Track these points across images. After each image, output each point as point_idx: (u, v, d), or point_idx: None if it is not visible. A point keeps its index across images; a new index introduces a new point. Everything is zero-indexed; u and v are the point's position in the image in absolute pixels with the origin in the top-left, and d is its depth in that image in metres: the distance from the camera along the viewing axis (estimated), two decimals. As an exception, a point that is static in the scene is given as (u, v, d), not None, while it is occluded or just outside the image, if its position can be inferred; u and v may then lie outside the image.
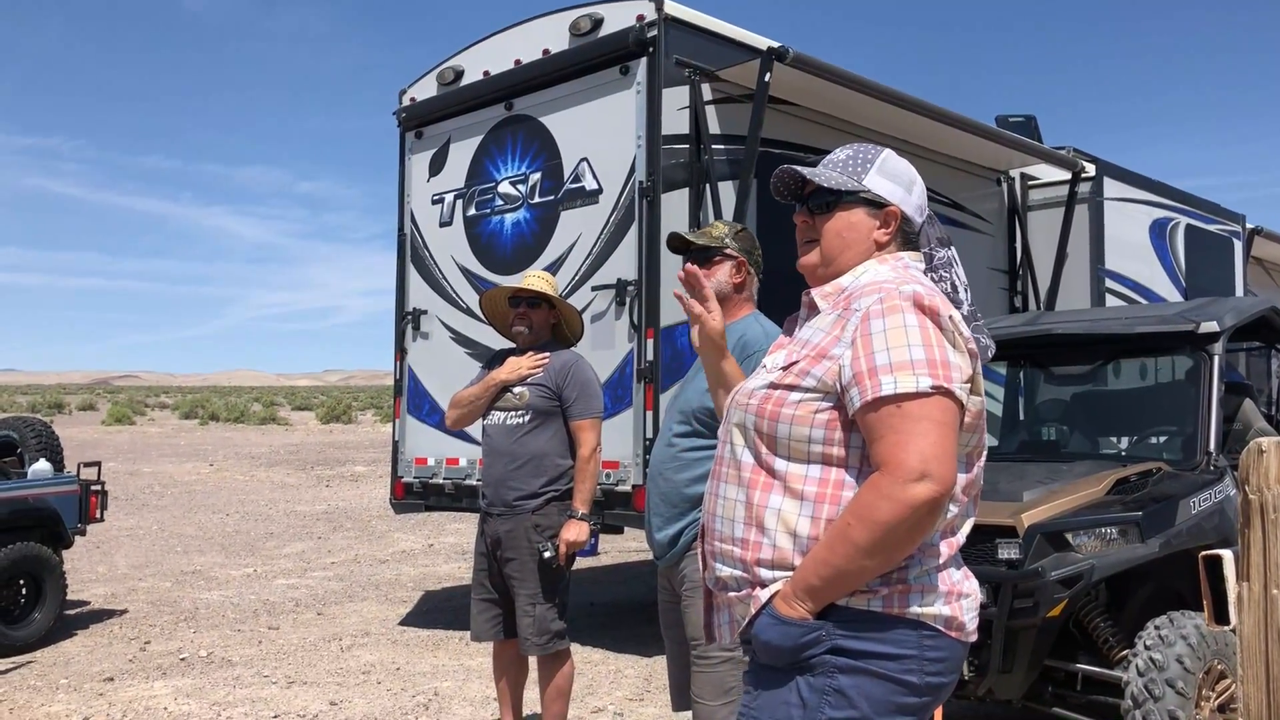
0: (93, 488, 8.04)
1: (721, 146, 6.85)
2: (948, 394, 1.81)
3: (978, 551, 4.17)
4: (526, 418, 4.47)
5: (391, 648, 7.13)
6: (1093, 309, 7.98)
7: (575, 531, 4.37)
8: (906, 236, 2.09)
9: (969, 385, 1.87)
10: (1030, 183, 9.51)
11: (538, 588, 4.39)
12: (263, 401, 62.30)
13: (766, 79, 6.45)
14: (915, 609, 1.84)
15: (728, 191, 6.74)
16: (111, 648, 7.21)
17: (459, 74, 7.86)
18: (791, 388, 1.93)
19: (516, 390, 4.50)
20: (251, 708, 5.70)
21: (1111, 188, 9.30)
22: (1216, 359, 4.72)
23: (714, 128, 6.81)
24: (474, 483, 7.43)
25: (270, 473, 21.43)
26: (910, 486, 1.75)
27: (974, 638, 1.93)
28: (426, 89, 8.12)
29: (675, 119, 6.66)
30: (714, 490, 2.04)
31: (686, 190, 6.69)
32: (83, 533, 8.02)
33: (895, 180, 2.09)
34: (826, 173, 2.11)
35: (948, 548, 1.90)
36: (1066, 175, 9.08)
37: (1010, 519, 4.14)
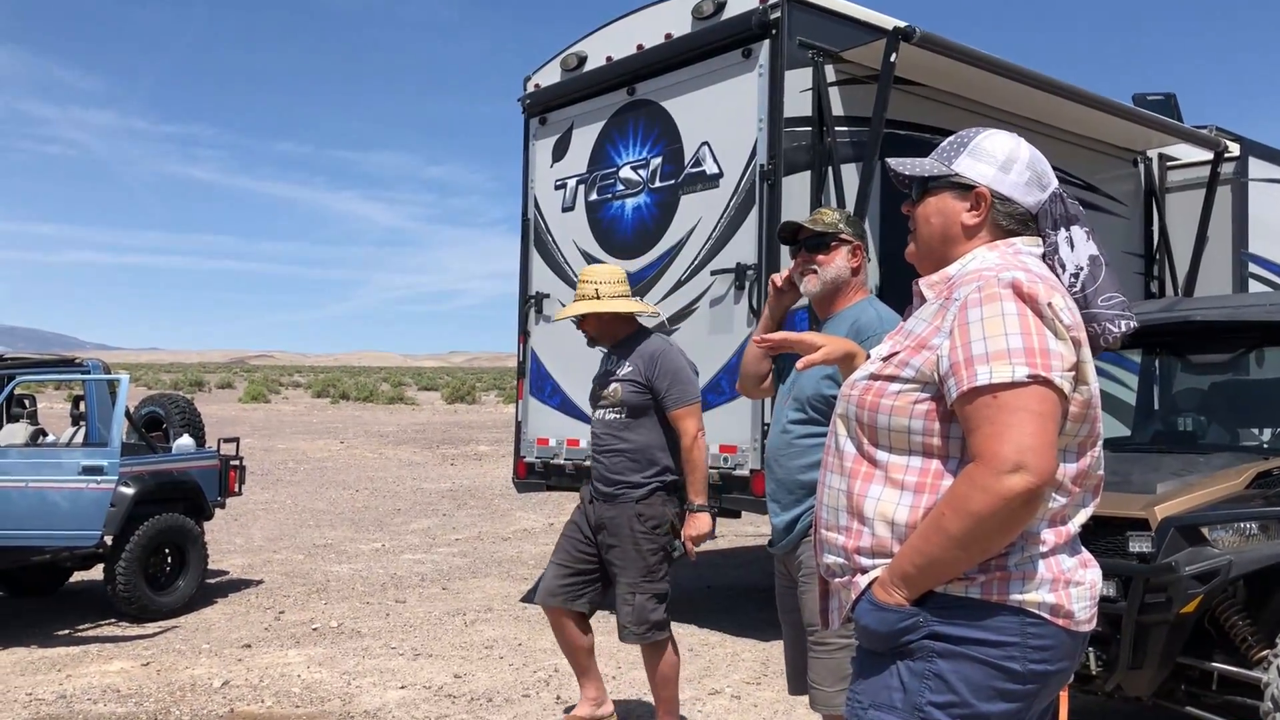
0: (232, 463, 8.42)
1: (845, 128, 6.76)
2: (1046, 383, 1.78)
3: (1108, 544, 4.05)
4: (623, 414, 4.47)
5: (514, 624, 7.28)
6: (1235, 294, 7.64)
7: (696, 526, 4.36)
8: (1018, 217, 2.04)
9: (1072, 374, 1.83)
10: (1169, 163, 9.13)
11: (638, 577, 4.39)
12: (391, 381, 64.05)
13: (892, 59, 6.33)
14: (1016, 596, 1.83)
15: (850, 174, 6.66)
16: (249, 616, 7.55)
17: (582, 60, 7.93)
18: (891, 378, 1.93)
19: (612, 387, 4.51)
20: (379, 678, 5.90)
21: (1257, 168, 8.87)
22: (1370, 348, 4.48)
23: (837, 109, 6.73)
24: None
25: (398, 451, 22.05)
26: (1005, 478, 1.73)
27: (1087, 627, 1.90)
28: (550, 75, 8.22)
29: (798, 101, 6.61)
30: (822, 479, 2.06)
31: (808, 173, 6.63)
32: (222, 505, 8.41)
33: (987, 160, 2.04)
34: (919, 161, 2.11)
35: (1055, 535, 1.87)
36: (1208, 155, 8.68)
37: (1143, 511, 4.01)
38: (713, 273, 6.86)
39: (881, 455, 1.93)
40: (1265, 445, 4.90)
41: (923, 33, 6.38)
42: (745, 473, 6.56)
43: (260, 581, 8.84)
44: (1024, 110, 7.71)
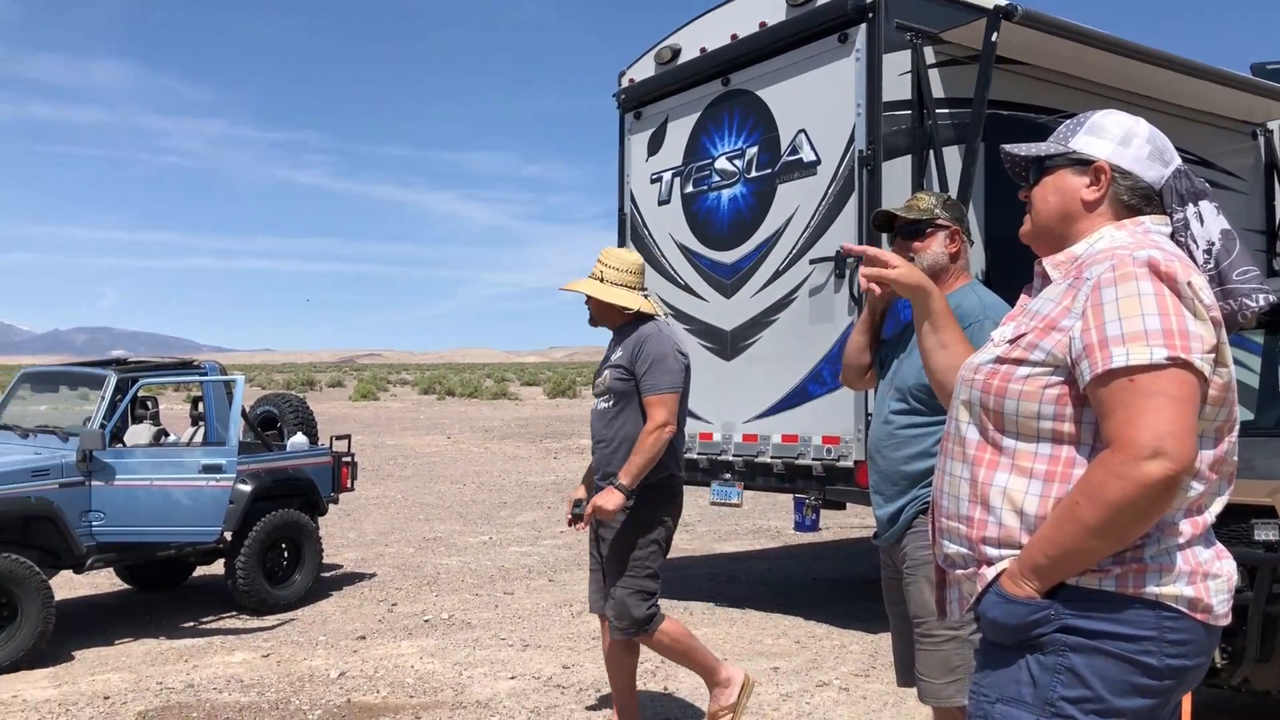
0: (344, 459, 8.65)
1: (946, 110, 6.63)
2: (1186, 366, 1.71)
3: (1231, 532, 3.90)
4: (611, 402, 4.34)
5: (618, 616, 7.33)
6: None
7: (606, 498, 4.14)
8: (1141, 194, 1.98)
9: (1212, 356, 1.76)
10: (1291, 134, 8.74)
11: (617, 570, 4.28)
12: (494, 377, 64.99)
13: (993, 39, 6.19)
14: (1152, 589, 1.76)
15: (953, 157, 6.53)
16: (363, 609, 7.74)
17: (676, 52, 7.92)
18: (1019, 361, 1.87)
19: (604, 375, 4.41)
20: (490, 669, 6.00)
21: (1386, 137, 8.44)
22: None
23: (938, 91, 6.60)
24: (695, 456, 7.52)
25: (502, 445, 22.38)
26: (1142, 465, 1.67)
27: (1224, 621, 1.82)
28: (645, 69, 8.23)
29: (896, 85, 6.50)
30: (942, 466, 2.01)
31: (909, 157, 6.52)
32: (335, 501, 8.65)
33: (1105, 136, 1.99)
34: (1035, 144, 2.07)
35: (1191, 526, 1.80)
36: (1332, 124, 8.30)
37: (1269, 498, 3.86)
38: (811, 261, 6.80)
39: (1008, 442, 1.87)
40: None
41: (1025, 10, 6.22)
42: (849, 464, 6.49)
43: (373, 575, 9.06)
44: (1134, 86, 7.46)
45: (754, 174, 7.28)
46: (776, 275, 7.09)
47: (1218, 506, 1.86)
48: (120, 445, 7.20)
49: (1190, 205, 1.95)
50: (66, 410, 7.70)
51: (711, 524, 11.90)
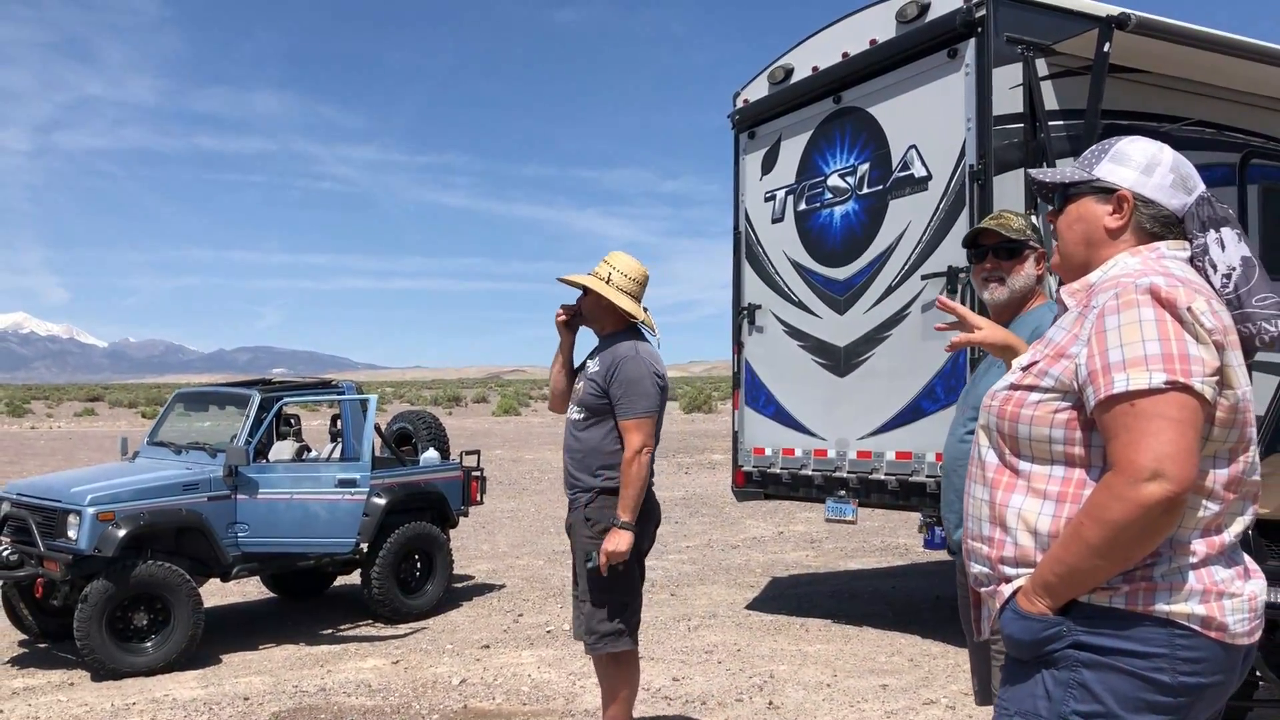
0: (473, 474, 8.98)
1: (1060, 122, 6.53)
2: (1186, 389, 1.75)
3: (1269, 549, 3.78)
4: (582, 414, 4.31)
5: (735, 630, 7.42)
6: None
7: (615, 541, 4.08)
8: (1163, 221, 2.01)
9: (1216, 378, 1.79)
10: None
11: (588, 584, 4.21)
12: (632, 392, 65.53)
13: (1106, 49, 6.08)
14: (1162, 607, 1.80)
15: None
16: (490, 619, 8.03)
17: (789, 72, 8.01)
18: (1031, 388, 1.93)
19: (578, 385, 4.35)
20: (603, 679, 6.17)
21: None
22: None
23: (1051, 103, 6.51)
24: (810, 472, 7.58)
25: (636, 460, 22.62)
26: (1142, 486, 1.72)
27: (1246, 640, 1.84)
28: (758, 89, 8.33)
29: (1007, 98, 6.44)
30: (968, 490, 2.08)
31: (1021, 171, 6.45)
32: (465, 514, 8.98)
33: (1129, 164, 2.03)
34: (1059, 170, 2.12)
35: (1207, 546, 1.83)
36: None
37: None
38: (923, 277, 6.78)
39: (1024, 465, 1.94)
40: None
41: (1139, 18, 6.09)
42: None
43: (502, 586, 9.36)
44: (1263, 89, 7.21)
45: (866, 190, 7.31)
46: (889, 291, 7.09)
47: (1239, 526, 1.88)
48: (264, 461, 7.66)
49: (1211, 231, 1.98)
50: (215, 428, 8.24)
51: (839, 541, 11.85)
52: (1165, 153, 2.05)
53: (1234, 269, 1.95)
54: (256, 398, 7.70)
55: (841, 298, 7.47)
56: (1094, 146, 2.13)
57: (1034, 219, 3.46)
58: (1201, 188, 2.04)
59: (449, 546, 8.51)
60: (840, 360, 7.48)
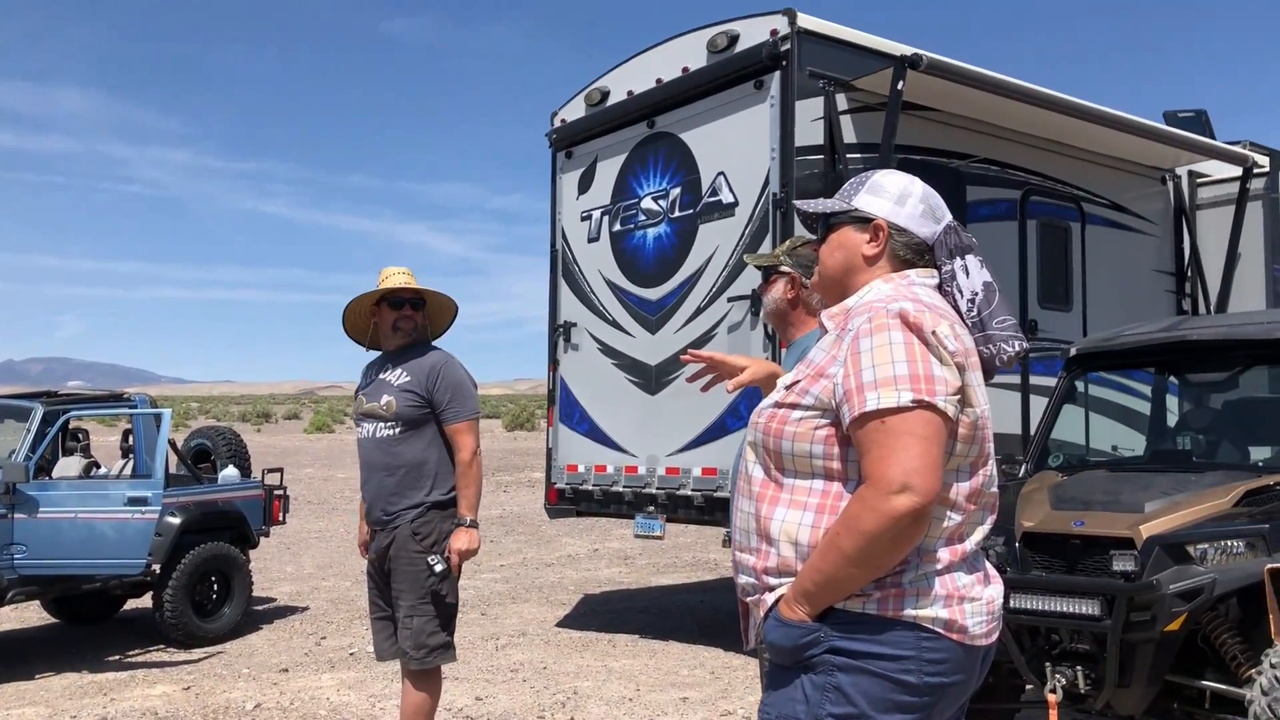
0: (276, 492, 8.69)
1: (858, 155, 6.86)
2: (930, 407, 1.87)
3: (1093, 563, 4.09)
4: (397, 429, 4.22)
5: (543, 648, 7.42)
6: (1235, 314, 7.55)
7: (465, 540, 4.14)
8: (915, 249, 2.15)
9: (958, 397, 1.93)
10: (1199, 180, 9.06)
11: (416, 599, 4.15)
12: (453, 410, 64.80)
13: (899, 87, 6.43)
14: (910, 611, 1.91)
15: (864, 200, 6.74)
16: (291, 641, 7.78)
17: (605, 95, 8.13)
18: (794, 406, 2.03)
19: (384, 400, 4.24)
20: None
21: (1289, 182, 8.77)
22: (1365, 365, 4.45)
23: (850, 137, 6.84)
24: (621, 489, 7.68)
25: (453, 479, 22.35)
26: (891, 499, 1.83)
27: (984, 642, 1.97)
28: (575, 110, 8.43)
29: (809, 130, 6.73)
30: (735, 504, 2.16)
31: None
32: (266, 534, 8.68)
33: (884, 195, 2.16)
34: (821, 200, 2.24)
35: (950, 554, 1.96)
36: (1237, 171, 8.61)
37: (1128, 530, 4.05)
38: (729, 299, 6.99)
39: (787, 479, 2.03)
40: (1259, 464, 4.89)
41: (930, 59, 6.46)
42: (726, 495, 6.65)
43: (306, 608, 9.08)
44: (1043, 131, 7.76)
45: (677, 214, 7.48)
46: (698, 312, 7.27)
47: (979, 534, 2.02)
48: (46, 478, 7.22)
49: (958, 259, 2.13)
50: (-8, 442, 7.72)
51: (652, 557, 12.01)
52: (916, 184, 2.19)
53: (977, 293, 2.10)
54: (39, 410, 7.27)
55: (654, 317, 7.61)
56: (853, 179, 2.25)
57: (800, 244, 3.59)
58: (949, 217, 2.19)
59: (248, 567, 8.20)
60: (652, 379, 7.61)
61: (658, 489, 7.45)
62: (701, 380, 2.97)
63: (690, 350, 2.88)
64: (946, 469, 1.94)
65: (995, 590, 2.03)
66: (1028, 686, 4.44)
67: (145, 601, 8.35)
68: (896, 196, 2.15)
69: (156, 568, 7.49)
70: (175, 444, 8.20)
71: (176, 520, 7.54)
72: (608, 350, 7.97)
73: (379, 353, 4.48)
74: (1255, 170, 8.56)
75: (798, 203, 2.28)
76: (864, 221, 2.15)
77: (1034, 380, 7.47)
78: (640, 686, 6.29)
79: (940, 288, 2.12)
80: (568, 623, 8.35)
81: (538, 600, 9.38)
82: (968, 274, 2.11)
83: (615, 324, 7.94)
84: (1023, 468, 5.21)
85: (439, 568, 4.12)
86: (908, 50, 6.59)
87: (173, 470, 8.01)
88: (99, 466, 8.10)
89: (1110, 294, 8.25)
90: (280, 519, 8.78)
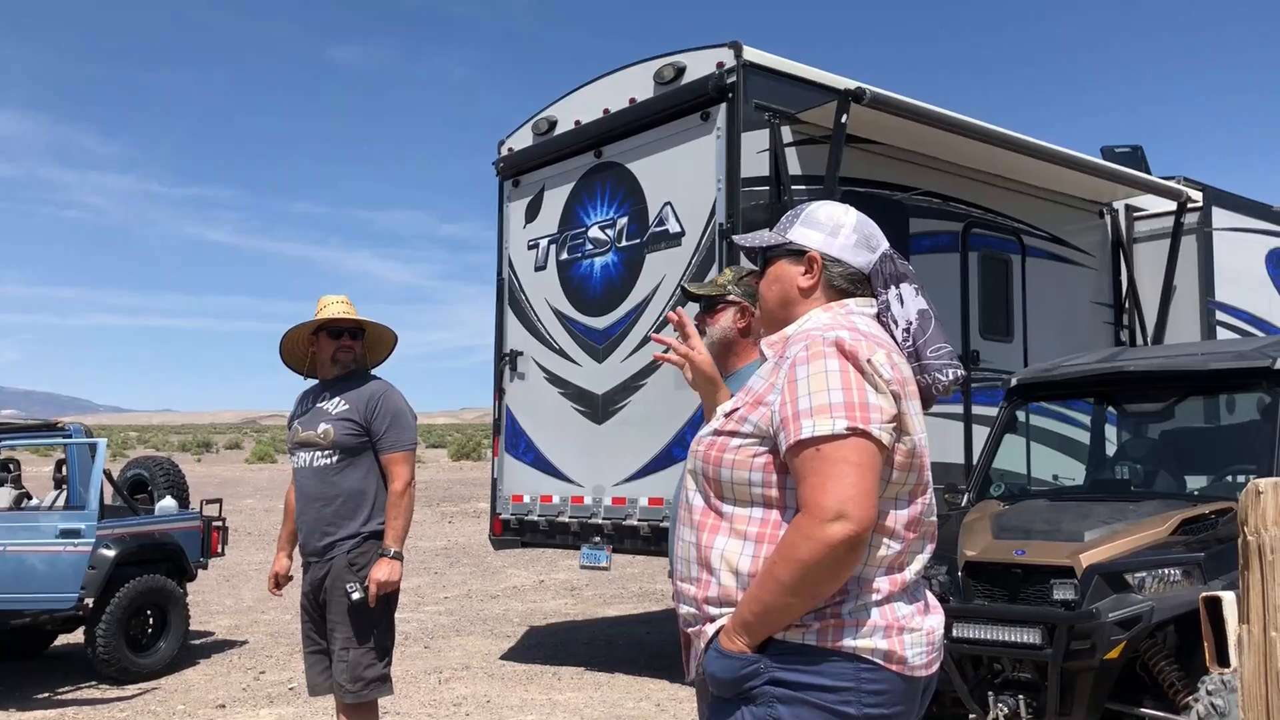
0: (214, 523, 8.51)
1: (803, 187, 6.93)
2: (865, 435, 1.88)
3: (1034, 592, 4.12)
4: (335, 457, 4.17)
5: (487, 681, 7.33)
6: (1171, 345, 7.73)
7: (387, 570, 4.07)
8: (851, 278, 2.16)
9: (893, 425, 1.93)
10: (1135, 214, 9.27)
11: (351, 631, 4.09)
12: (399, 440, 64.18)
13: (844, 120, 6.51)
14: (849, 642, 1.90)
15: (809, 231, 6.81)
16: (229, 676, 7.61)
17: (552, 124, 8.14)
18: (733, 434, 2.02)
19: (322, 429, 4.18)
20: (346, 736, 5.94)
21: (1221, 217, 8.99)
22: (1295, 395, 4.56)
23: (795, 169, 6.90)
24: (567, 519, 7.62)
25: (398, 509, 22.09)
26: (827, 527, 1.82)
27: (924, 673, 1.96)
28: (523, 139, 8.43)
29: (755, 162, 6.78)
30: (676, 533, 2.14)
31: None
32: (204, 566, 8.49)
33: (817, 227, 2.17)
34: (758, 234, 2.25)
35: (890, 584, 1.95)
36: (1172, 206, 8.82)
37: (1068, 559, 4.09)
38: (676, 329, 6.99)
39: (727, 508, 2.02)
40: (1195, 493, 4.98)
41: (874, 93, 6.56)
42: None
43: (244, 642, 8.90)
44: (983, 165, 7.89)
45: (624, 243, 7.50)
46: (645, 341, 7.27)
47: (919, 564, 2.01)
48: (-26, 510, 7.03)
49: (894, 288, 2.14)
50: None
51: (599, 588, 11.93)
52: (850, 215, 2.20)
53: (912, 322, 2.11)
54: (-33, 441, 7.07)
55: (600, 346, 7.60)
56: (789, 212, 2.26)
57: (747, 274, 3.57)
58: (885, 246, 2.20)
59: (186, 601, 8.01)
60: (598, 408, 7.59)
61: (604, 519, 7.41)
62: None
63: (672, 312, 2.69)
64: (884, 497, 1.93)
65: (936, 620, 2.02)
66: (971, 716, 4.46)
67: (77, 636, 8.13)
68: (830, 228, 2.17)
69: (89, 602, 7.28)
70: (110, 474, 8.01)
71: (111, 553, 7.35)
72: (554, 379, 7.94)
73: (316, 380, 4.42)
74: (1189, 205, 8.77)
75: (736, 239, 2.29)
76: (799, 254, 2.16)
77: (976, 410, 7.55)
78: None
79: (879, 316, 2.13)
80: (512, 655, 8.26)
81: (482, 633, 9.27)
82: (902, 303, 2.12)
83: (562, 352, 7.91)
84: (965, 497, 5.26)
85: (355, 596, 4.06)
86: (852, 84, 6.68)
87: (108, 501, 7.82)
88: (30, 498, 7.89)
89: (1050, 325, 8.39)
90: (219, 551, 8.59)
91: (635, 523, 7.17)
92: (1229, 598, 2.42)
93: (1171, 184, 8.95)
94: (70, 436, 7.81)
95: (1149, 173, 9.39)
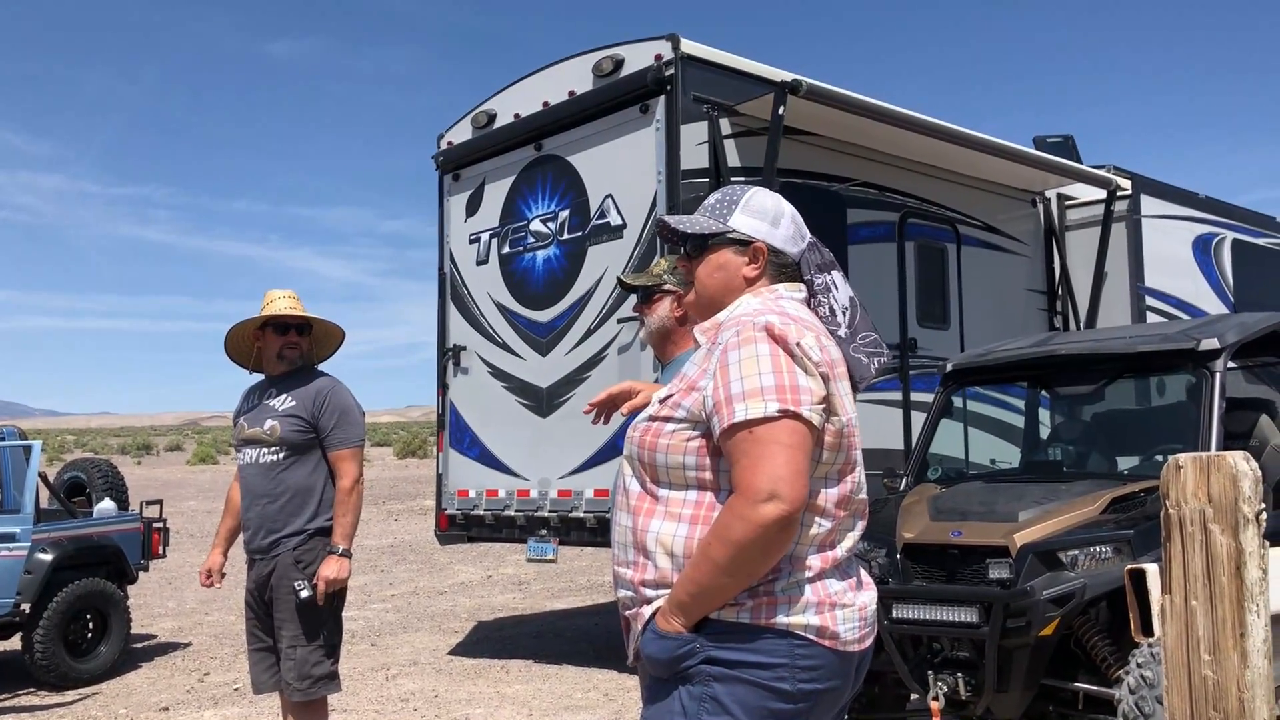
0: (155, 525, 8.40)
1: (742, 179, 6.98)
2: (796, 417, 1.92)
3: (971, 572, 4.22)
4: (281, 454, 4.15)
5: (435, 676, 7.32)
6: (1101, 329, 7.91)
7: (335, 568, 4.05)
8: (783, 267, 2.19)
9: (823, 406, 1.97)
10: (1067, 203, 9.46)
11: (299, 629, 4.06)
12: (343, 438, 63.50)
13: (781, 112, 6.58)
14: (783, 619, 1.94)
15: (749, 222, 6.87)
16: (173, 679, 7.52)
17: (491, 117, 8.12)
18: (667, 419, 2.05)
19: (268, 425, 4.16)
20: (292, 734, 5.91)
21: (1149, 205, 9.21)
22: (1218, 376, 4.69)
23: (734, 161, 6.96)
24: (513, 513, 7.63)
25: (343, 508, 21.89)
26: (760, 507, 1.86)
27: (856, 648, 2.01)
28: (462, 133, 8.40)
29: (694, 154, 6.83)
30: (614, 518, 2.18)
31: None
32: (145, 568, 8.38)
33: (759, 217, 2.19)
34: (695, 219, 2.23)
35: (821, 561, 2.00)
36: (1103, 194, 9.02)
37: (1003, 539, 4.19)
38: (619, 321, 7.03)
39: (662, 491, 2.05)
40: (1125, 473, 5.11)
41: (810, 85, 6.63)
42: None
43: (188, 644, 8.79)
44: (918, 155, 8.00)
45: (566, 236, 7.51)
46: (589, 334, 7.30)
47: (850, 541, 2.07)
48: (-95, 516, 6.87)
49: (826, 275, 2.18)
50: None
51: (546, 581, 11.94)
52: (785, 205, 2.24)
53: (847, 309, 2.16)
54: (-103, 446, 6.91)
55: (544, 339, 7.61)
56: (717, 197, 2.24)
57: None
58: (809, 235, 2.24)
59: (126, 604, 7.90)
60: (543, 401, 7.60)
61: (550, 512, 7.43)
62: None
63: (589, 403, 2.73)
64: (815, 477, 1.98)
65: (868, 596, 2.07)
66: (912, 695, 4.55)
67: (14, 643, 7.98)
68: (771, 218, 2.19)
69: (26, 607, 7.16)
70: (46, 477, 7.87)
71: (48, 557, 7.23)
72: (498, 373, 7.94)
73: (262, 375, 4.39)
74: (1119, 193, 8.98)
75: (668, 218, 2.26)
76: (743, 244, 2.18)
77: (914, 396, 7.67)
78: (534, 712, 6.25)
79: (807, 301, 2.17)
80: (460, 650, 8.25)
81: (429, 629, 9.25)
82: (836, 289, 2.17)
83: (505, 347, 7.91)
84: (903, 481, 5.35)
85: (304, 594, 4.03)
86: (789, 76, 6.75)
87: (44, 505, 7.68)
88: (-37, 503, 7.72)
89: (985, 312, 8.54)
90: (160, 553, 8.48)
91: (581, 515, 7.20)
92: (1152, 569, 2.51)
93: (1102, 173, 9.15)
94: (3, 439, 7.66)
95: (1080, 162, 9.59)
